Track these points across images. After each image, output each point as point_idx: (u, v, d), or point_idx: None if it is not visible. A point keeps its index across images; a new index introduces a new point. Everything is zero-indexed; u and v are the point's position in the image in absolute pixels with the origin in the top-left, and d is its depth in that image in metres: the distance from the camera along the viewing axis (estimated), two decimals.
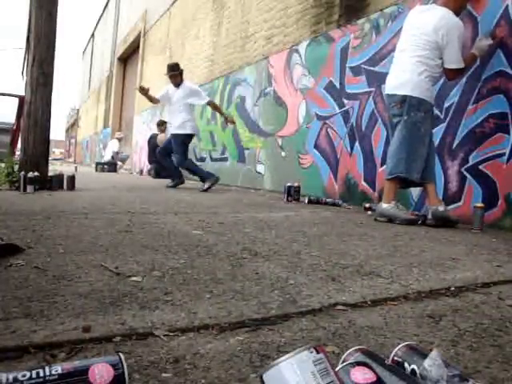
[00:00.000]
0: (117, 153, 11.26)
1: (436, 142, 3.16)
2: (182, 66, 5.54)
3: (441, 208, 2.72)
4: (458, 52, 2.69)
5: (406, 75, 2.78)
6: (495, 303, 1.12)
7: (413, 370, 0.60)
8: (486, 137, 2.81)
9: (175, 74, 5.31)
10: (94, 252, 1.49)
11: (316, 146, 4.52)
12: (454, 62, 2.71)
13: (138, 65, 12.64)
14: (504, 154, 2.70)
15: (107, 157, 11.46)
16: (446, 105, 3.10)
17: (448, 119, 3.09)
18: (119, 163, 11.34)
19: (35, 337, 0.77)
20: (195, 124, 5.61)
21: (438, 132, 3.14)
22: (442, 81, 3.13)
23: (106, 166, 11.06)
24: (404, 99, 2.76)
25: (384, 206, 2.81)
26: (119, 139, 11.62)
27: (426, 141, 2.76)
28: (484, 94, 2.84)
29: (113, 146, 11.51)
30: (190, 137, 5.37)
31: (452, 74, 2.79)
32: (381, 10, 3.77)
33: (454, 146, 3.04)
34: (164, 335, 0.81)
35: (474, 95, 2.90)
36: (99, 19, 22.06)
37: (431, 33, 2.68)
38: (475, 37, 2.91)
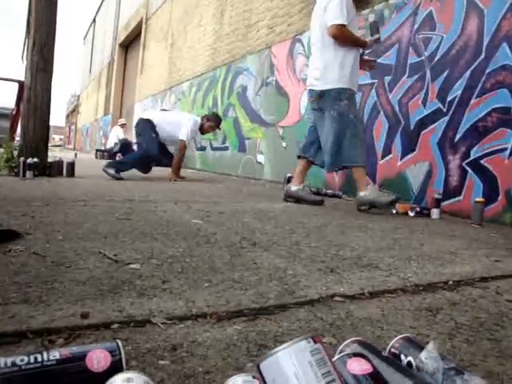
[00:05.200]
0: (125, 140, 11.04)
1: (438, 135, 3.15)
2: (184, 55, 5.37)
3: (362, 193, 2.82)
4: (338, 10, 2.68)
5: (319, 70, 2.85)
6: (493, 298, 1.12)
7: (409, 362, 0.60)
8: (489, 131, 2.80)
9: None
10: (93, 239, 1.49)
11: None
12: (332, 18, 2.70)
13: (140, 51, 12.54)
14: (506, 149, 2.69)
15: (110, 144, 11.30)
16: (449, 98, 3.08)
17: (451, 113, 3.08)
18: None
19: (33, 322, 0.77)
20: None
21: (441, 125, 3.13)
22: (445, 74, 3.11)
23: (105, 154, 11.02)
24: (322, 94, 2.83)
25: (361, 194, 2.83)
26: (122, 125, 11.43)
27: (358, 124, 2.82)
28: (488, 88, 2.82)
29: (117, 132, 11.27)
30: None
31: (332, 31, 2.75)
32: (385, 1, 3.73)
33: (456, 139, 3.02)
34: (162, 323, 0.82)
35: (478, 89, 2.88)
36: (100, 4, 21.82)
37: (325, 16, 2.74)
38: (481, 29, 2.88)
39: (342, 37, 2.79)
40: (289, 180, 4.05)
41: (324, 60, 2.86)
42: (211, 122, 5.01)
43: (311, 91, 2.99)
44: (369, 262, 1.40)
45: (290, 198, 3.12)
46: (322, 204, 3.04)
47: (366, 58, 3.10)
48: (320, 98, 2.89)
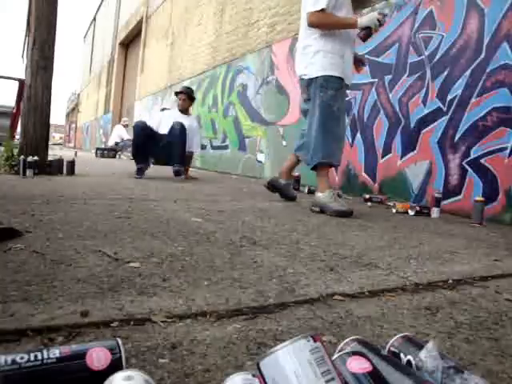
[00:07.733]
0: (128, 139, 10.93)
1: (438, 134, 3.15)
2: (184, 53, 5.36)
3: (319, 194, 2.67)
4: None
5: (305, 57, 2.67)
6: (492, 297, 1.12)
7: (408, 360, 0.60)
8: (489, 130, 2.80)
9: (190, 97, 5.06)
10: (93, 237, 1.49)
11: None
12: (309, 5, 2.54)
13: (140, 50, 12.53)
14: (506, 148, 2.69)
15: (111, 142, 11.26)
16: (449, 97, 3.08)
17: (451, 112, 3.07)
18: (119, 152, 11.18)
19: (33, 320, 0.77)
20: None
21: (441, 124, 3.13)
22: (445, 73, 3.11)
23: (105, 152, 11.01)
24: (310, 82, 2.66)
25: (318, 194, 2.67)
26: (125, 125, 11.36)
27: (340, 120, 2.64)
28: (488, 88, 2.82)
29: (120, 131, 11.21)
30: None
31: (308, 18, 2.57)
32: (386, 0, 3.72)
33: (456, 138, 3.02)
34: (161, 321, 0.82)
35: (478, 88, 2.88)
36: (101, 3, 21.79)
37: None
38: (482, 29, 2.88)
39: (320, 23, 2.57)
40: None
41: (307, 48, 2.67)
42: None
43: (301, 80, 2.81)
44: (368, 261, 1.40)
45: (315, 206, 2.70)
46: (350, 215, 2.54)
47: (358, 55, 2.89)
48: (308, 88, 2.72)
